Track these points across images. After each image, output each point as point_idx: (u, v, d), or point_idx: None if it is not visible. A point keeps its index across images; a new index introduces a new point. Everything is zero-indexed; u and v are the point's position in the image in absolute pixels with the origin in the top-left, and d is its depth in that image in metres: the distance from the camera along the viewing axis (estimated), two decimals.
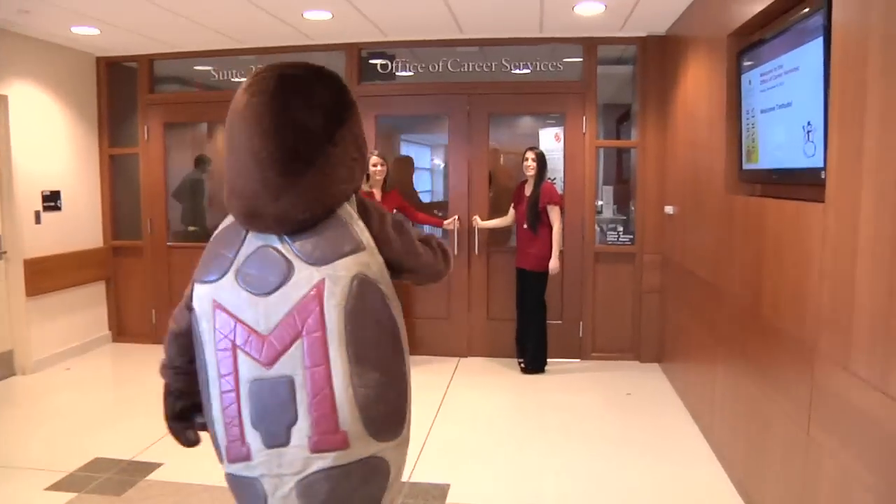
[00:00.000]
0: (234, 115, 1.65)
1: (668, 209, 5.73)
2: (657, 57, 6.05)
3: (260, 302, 1.60)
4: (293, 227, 1.62)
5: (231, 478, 1.69)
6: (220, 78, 6.76)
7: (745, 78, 3.76)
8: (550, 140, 12.52)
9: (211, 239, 1.77)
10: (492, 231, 6.51)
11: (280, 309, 1.59)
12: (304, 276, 1.59)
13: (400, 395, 1.69)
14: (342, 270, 1.59)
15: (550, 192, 5.92)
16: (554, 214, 5.85)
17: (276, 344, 1.58)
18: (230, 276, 1.64)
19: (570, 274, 6.37)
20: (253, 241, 1.66)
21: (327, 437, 1.57)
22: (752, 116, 3.65)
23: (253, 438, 1.60)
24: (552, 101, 6.43)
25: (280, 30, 5.95)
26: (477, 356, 6.53)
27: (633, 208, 6.61)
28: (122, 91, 6.95)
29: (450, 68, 6.43)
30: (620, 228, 6.70)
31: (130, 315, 7.13)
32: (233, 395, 1.62)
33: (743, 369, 3.71)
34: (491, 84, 6.40)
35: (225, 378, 1.62)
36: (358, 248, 1.62)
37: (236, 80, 6.68)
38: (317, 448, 1.57)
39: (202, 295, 1.67)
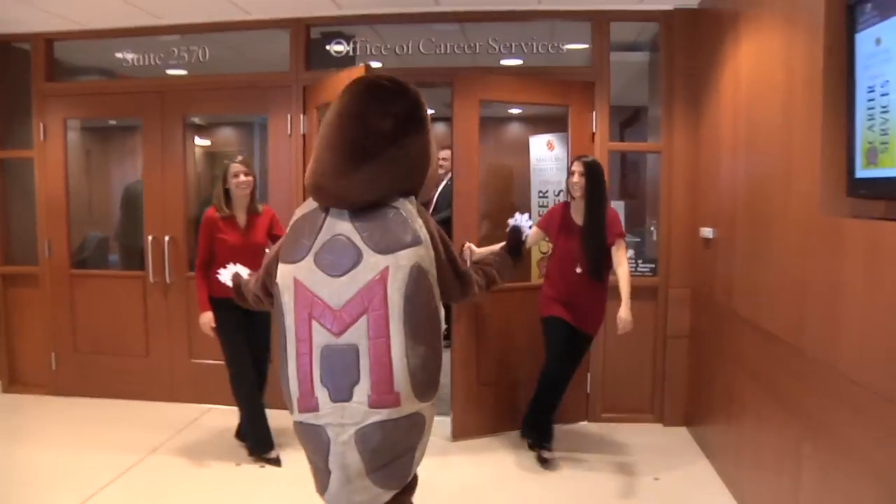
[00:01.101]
0: (329, 109, 2.13)
1: (706, 232, 4.39)
2: (688, 36, 4.74)
3: (334, 282, 2.01)
4: (350, 206, 2.05)
5: (299, 425, 2.10)
6: (139, 64, 5.39)
7: (862, 38, 2.44)
8: (541, 149, 11.23)
9: (291, 225, 2.17)
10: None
11: (350, 289, 2.00)
12: (372, 263, 2.00)
13: (437, 366, 2.11)
14: (403, 260, 2.00)
15: (616, 222, 4.22)
16: (621, 251, 4.17)
17: (345, 318, 2.00)
18: (309, 258, 2.05)
19: None
20: (329, 230, 2.06)
21: (384, 396, 1.99)
22: (881, 94, 2.32)
23: (321, 393, 2.02)
24: (554, 92, 5.02)
25: (207, 1, 4.62)
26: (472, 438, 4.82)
27: (652, 229, 5.28)
28: (15, 79, 5.55)
29: (422, 49, 5.07)
30: (632, 253, 5.40)
31: (24, 359, 5.70)
32: (307, 357, 2.04)
33: (851, 469, 2.38)
34: (475, 71, 5.02)
35: (302, 342, 2.04)
36: (416, 241, 2.03)
37: (159, 65, 5.33)
38: (374, 404, 1.99)
39: (285, 273, 2.09)
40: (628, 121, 9.18)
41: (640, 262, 5.09)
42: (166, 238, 5.29)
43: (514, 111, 10.97)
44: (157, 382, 5.44)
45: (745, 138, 3.72)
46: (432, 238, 2.09)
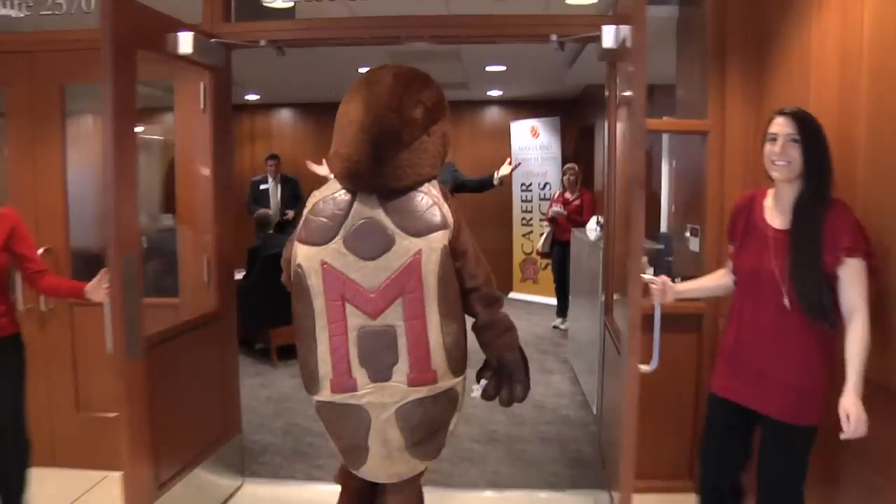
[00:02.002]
0: (351, 99, 2.24)
1: None
2: None
3: (367, 265, 2.10)
4: (386, 192, 2.13)
5: (331, 405, 2.19)
6: None
7: None
8: (524, 136, 9.95)
9: (310, 209, 2.22)
10: None
11: (384, 272, 2.09)
12: (405, 246, 2.10)
13: (465, 340, 2.25)
14: (435, 242, 2.13)
15: (851, 225, 2.31)
16: (855, 276, 2.27)
17: (380, 300, 2.09)
18: (338, 241, 2.11)
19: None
20: (358, 214, 2.14)
21: (422, 374, 2.12)
22: None
23: (359, 374, 2.12)
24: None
25: None
26: None
27: (687, 235, 4.04)
28: None
29: None
30: (652, 269, 4.21)
31: None
32: (342, 338, 2.10)
33: None
34: (456, 21, 3.72)
35: (335, 324, 2.11)
36: (446, 224, 2.16)
37: (27, 17, 3.94)
38: (414, 383, 2.12)
39: (310, 255, 2.13)
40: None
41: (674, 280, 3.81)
42: (39, 250, 3.90)
43: (494, 93, 9.64)
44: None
45: (869, 111, 2.46)
46: (457, 222, 2.24)
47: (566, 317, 8.09)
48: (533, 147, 9.79)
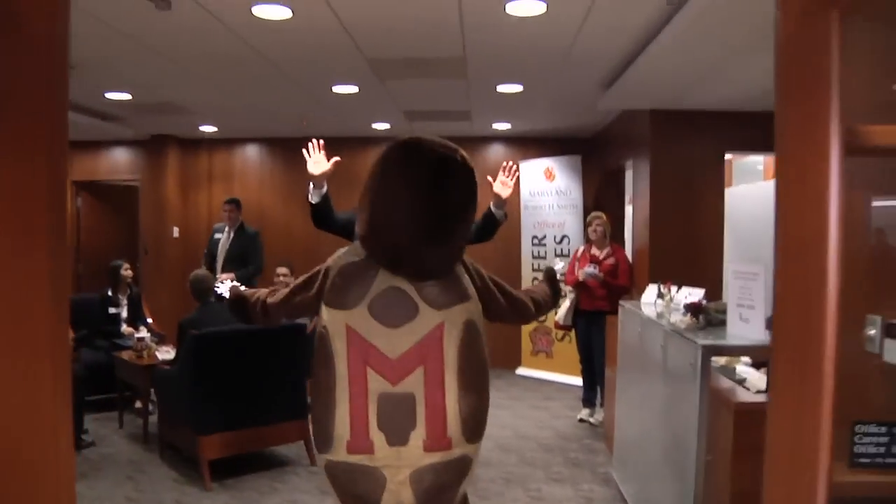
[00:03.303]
0: (397, 182, 2.11)
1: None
2: None
3: (391, 333, 2.12)
4: (428, 279, 2.16)
5: (346, 465, 2.18)
6: None
7: None
8: (536, 179, 8.27)
9: (336, 271, 2.23)
10: None
11: (407, 340, 2.12)
12: (428, 317, 2.13)
13: (486, 411, 2.24)
14: (457, 315, 2.15)
15: None
16: None
17: (401, 368, 2.12)
18: (363, 307, 2.13)
19: None
20: (383, 282, 2.15)
21: (438, 441, 2.14)
22: None
23: (377, 437, 2.13)
24: None
25: None
26: None
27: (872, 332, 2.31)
28: None
29: None
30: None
31: None
32: (362, 402, 2.13)
33: None
34: None
35: (356, 388, 2.13)
36: (468, 297, 2.20)
37: None
38: (429, 448, 2.14)
39: (336, 319, 2.16)
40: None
41: None
42: None
43: (501, 127, 8.00)
44: None
45: None
46: (472, 280, 2.30)
47: (595, 406, 6.35)
48: (547, 192, 8.12)
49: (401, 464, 2.17)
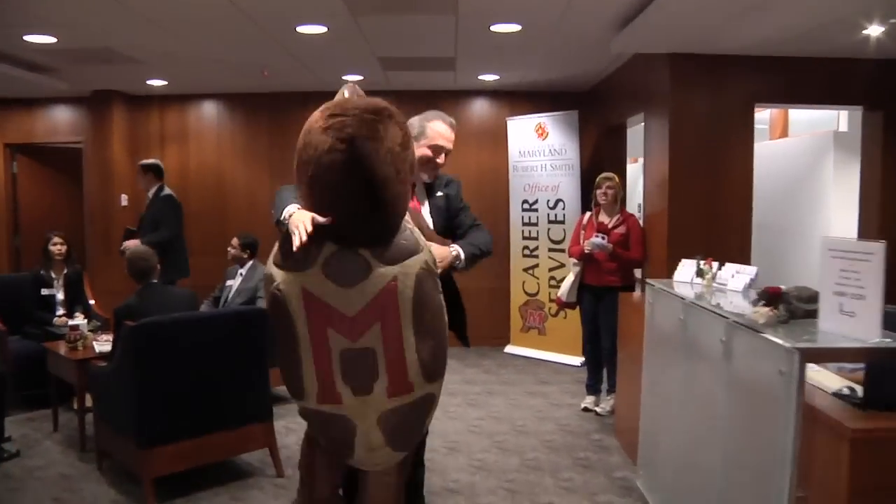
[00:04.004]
0: (319, 157, 2.08)
1: None
2: None
3: (346, 292, 2.16)
4: (378, 245, 2.19)
5: (318, 412, 2.36)
6: None
7: None
8: (527, 137, 7.40)
9: (285, 236, 2.24)
10: None
11: (362, 298, 2.17)
12: (381, 274, 2.17)
13: (444, 351, 2.38)
14: (410, 268, 2.21)
15: None
16: None
17: (359, 324, 2.19)
18: (317, 269, 2.16)
19: None
20: (334, 243, 2.17)
21: (400, 386, 2.28)
22: None
23: (344, 390, 2.26)
24: None
25: None
26: None
27: None
28: None
29: None
30: None
31: None
32: (325, 358, 2.23)
33: None
34: None
35: (318, 346, 2.22)
36: (419, 249, 2.26)
37: None
38: (393, 394, 2.28)
39: (290, 281, 2.20)
40: None
41: None
42: None
43: (488, 79, 7.15)
44: None
45: None
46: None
47: (600, 393, 5.62)
48: (539, 151, 7.30)
49: (367, 410, 2.29)
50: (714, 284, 3.65)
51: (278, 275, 2.21)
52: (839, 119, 6.74)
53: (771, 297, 2.68)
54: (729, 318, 2.78)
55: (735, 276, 3.56)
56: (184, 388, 3.87)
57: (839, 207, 6.43)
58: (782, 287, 2.72)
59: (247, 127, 7.96)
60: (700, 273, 3.71)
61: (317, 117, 2.16)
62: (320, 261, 2.16)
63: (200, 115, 8.03)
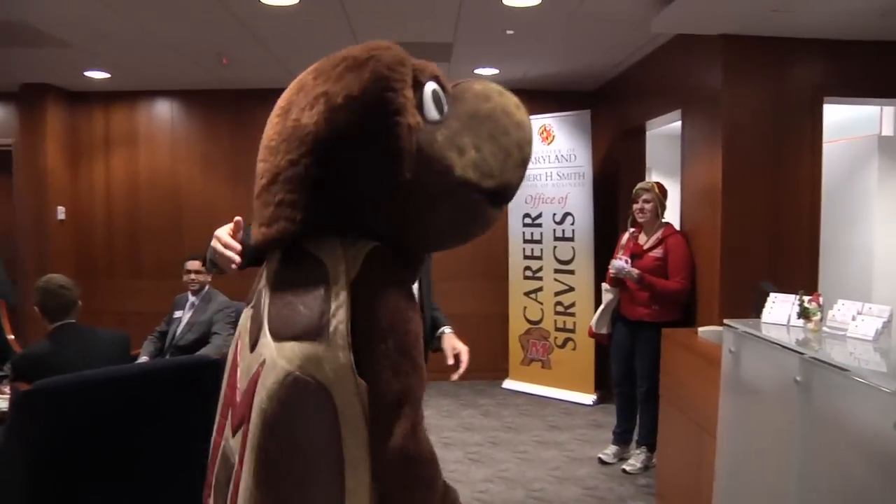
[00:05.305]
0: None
1: None
2: None
3: (248, 356, 1.33)
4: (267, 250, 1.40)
5: None
6: None
7: None
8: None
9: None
10: None
11: (246, 376, 1.31)
12: (261, 346, 1.29)
13: None
14: (282, 359, 1.22)
15: None
16: None
17: (236, 415, 1.33)
18: (248, 309, 1.42)
19: None
20: (262, 276, 1.43)
21: None
22: None
23: None
24: None
25: None
26: None
27: None
28: None
29: None
30: None
31: None
32: (215, 448, 1.41)
33: None
34: None
35: (218, 425, 1.42)
36: (314, 332, 1.21)
37: None
38: None
39: (242, 319, 1.45)
40: None
41: None
42: None
43: (486, 72, 6.19)
44: None
45: None
46: (364, 330, 1.22)
47: (629, 445, 4.67)
48: (544, 157, 6.35)
49: None
50: (824, 329, 2.70)
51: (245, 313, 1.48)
52: (881, 121, 5.93)
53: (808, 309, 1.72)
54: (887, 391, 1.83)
55: (859, 319, 2.61)
56: (101, 475, 2.79)
57: (885, 220, 5.68)
58: None
59: (205, 129, 6.90)
60: (804, 314, 2.76)
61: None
62: (252, 298, 1.44)
63: (151, 115, 6.94)
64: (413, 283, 1.40)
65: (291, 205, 1.29)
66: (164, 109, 6.93)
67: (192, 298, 4.66)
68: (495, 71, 6.05)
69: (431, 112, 1.32)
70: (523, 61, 5.72)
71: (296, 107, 1.33)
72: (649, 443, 4.42)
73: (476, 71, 6.04)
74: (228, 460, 1.35)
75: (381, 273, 1.26)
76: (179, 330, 4.58)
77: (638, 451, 4.57)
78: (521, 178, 1.43)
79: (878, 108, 5.42)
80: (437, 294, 2.55)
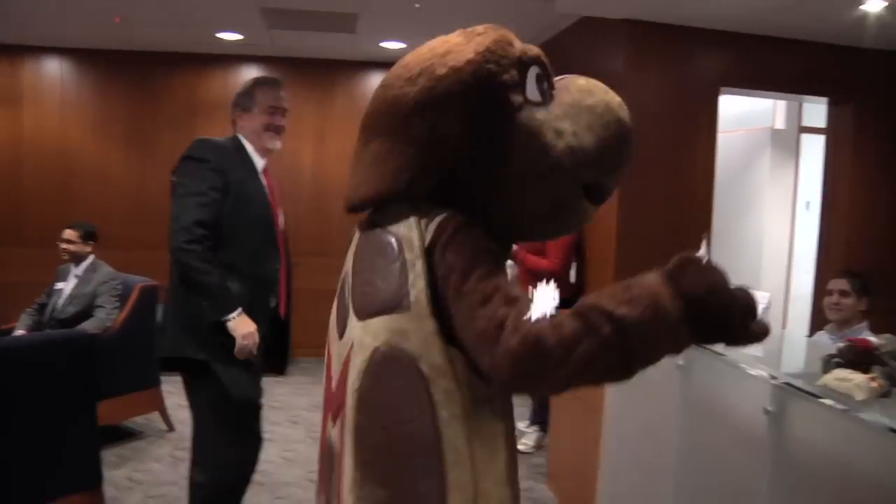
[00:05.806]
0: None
1: None
2: None
3: (338, 343, 1.33)
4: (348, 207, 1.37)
5: None
6: None
7: None
8: None
9: None
10: None
11: (338, 363, 1.31)
12: (349, 331, 1.28)
13: None
14: (368, 337, 1.20)
15: None
16: None
17: (333, 404, 1.33)
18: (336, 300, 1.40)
19: None
20: (349, 258, 1.37)
21: None
22: None
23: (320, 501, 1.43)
24: None
25: None
26: None
27: None
28: None
29: None
30: None
31: None
32: (322, 441, 1.41)
33: None
34: None
35: (323, 417, 1.41)
36: (395, 304, 1.18)
37: None
38: None
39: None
40: None
41: None
42: None
43: (392, 45, 6.08)
44: None
45: None
46: (444, 290, 1.18)
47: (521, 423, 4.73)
48: None
49: None
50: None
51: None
52: (775, 115, 6.16)
53: (860, 355, 1.78)
54: (779, 382, 1.88)
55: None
56: None
57: (774, 209, 5.92)
58: (872, 340, 1.83)
59: (100, 90, 6.54)
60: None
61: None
62: (340, 280, 1.42)
63: (39, 73, 6.53)
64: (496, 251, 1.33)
65: (388, 167, 1.30)
66: (53, 67, 6.52)
67: (75, 269, 4.41)
68: (403, 45, 5.95)
69: (534, 94, 1.32)
70: (431, 36, 5.63)
71: (399, 79, 1.34)
72: (541, 421, 4.47)
73: (382, 44, 5.93)
74: (332, 451, 1.35)
75: (452, 232, 1.24)
76: (61, 302, 4.34)
77: (530, 430, 4.62)
78: (618, 177, 1.40)
79: (772, 101, 5.62)
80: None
